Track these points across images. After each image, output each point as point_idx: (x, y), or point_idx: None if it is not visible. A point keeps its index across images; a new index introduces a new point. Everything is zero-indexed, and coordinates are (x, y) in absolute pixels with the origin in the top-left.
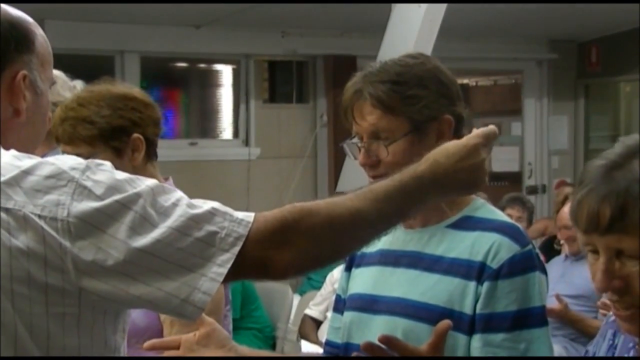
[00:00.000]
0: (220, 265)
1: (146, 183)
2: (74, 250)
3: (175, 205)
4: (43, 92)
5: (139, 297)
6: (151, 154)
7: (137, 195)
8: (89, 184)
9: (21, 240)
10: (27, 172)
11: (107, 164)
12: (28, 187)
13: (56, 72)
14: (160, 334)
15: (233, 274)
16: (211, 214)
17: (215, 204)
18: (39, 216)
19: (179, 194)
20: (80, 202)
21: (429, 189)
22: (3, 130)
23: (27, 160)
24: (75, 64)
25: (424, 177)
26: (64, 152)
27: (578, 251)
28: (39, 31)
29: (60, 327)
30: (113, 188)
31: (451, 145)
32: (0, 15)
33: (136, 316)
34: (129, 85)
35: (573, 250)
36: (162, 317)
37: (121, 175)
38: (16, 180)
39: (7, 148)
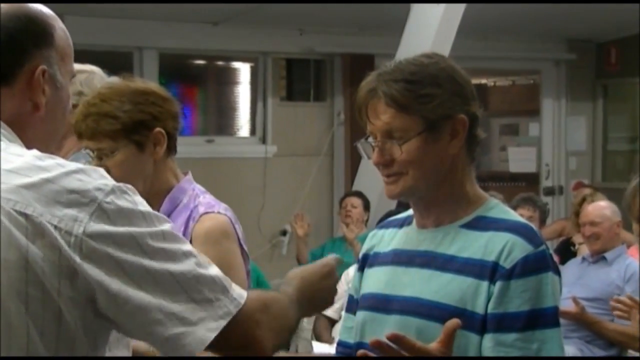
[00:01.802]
0: (209, 330)
1: (162, 227)
2: (82, 267)
3: (185, 256)
4: (63, 86)
5: (135, 329)
6: (171, 148)
7: (149, 234)
8: (109, 207)
9: (38, 246)
10: (50, 182)
11: (132, 191)
12: (50, 197)
13: (94, 68)
14: None
15: (217, 345)
16: (213, 281)
17: (219, 273)
18: (55, 227)
19: (189, 246)
20: (97, 224)
21: (305, 307)
22: (22, 126)
23: (50, 162)
24: (94, 60)
25: (301, 295)
26: (86, 148)
27: (599, 250)
28: (58, 24)
29: (69, 333)
30: (130, 218)
31: (311, 267)
32: (18, 11)
33: None
34: (145, 81)
35: (594, 248)
36: None
37: (142, 207)
38: (38, 188)
39: (26, 143)
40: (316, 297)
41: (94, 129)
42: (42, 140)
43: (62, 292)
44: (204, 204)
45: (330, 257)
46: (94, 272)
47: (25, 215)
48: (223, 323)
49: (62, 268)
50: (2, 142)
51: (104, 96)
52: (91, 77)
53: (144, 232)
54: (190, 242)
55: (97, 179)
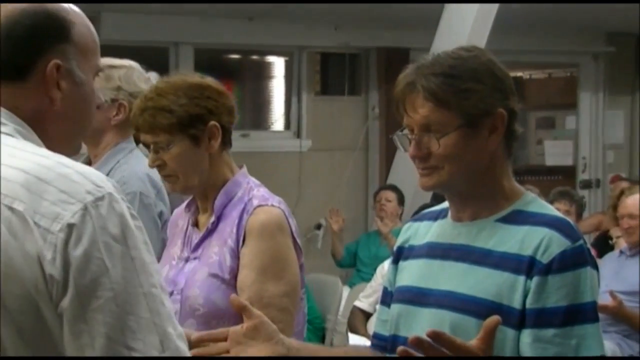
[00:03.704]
0: None
1: (142, 256)
2: (54, 262)
3: (154, 288)
4: (84, 82)
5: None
6: (226, 142)
7: (121, 246)
8: (92, 211)
9: (18, 241)
10: (44, 180)
11: (123, 206)
12: (38, 194)
13: (132, 63)
14: (240, 315)
15: None
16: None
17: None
18: (35, 223)
19: (158, 277)
20: (75, 222)
21: None
22: (40, 120)
23: (53, 160)
24: (130, 56)
25: None
26: (144, 141)
27: (637, 244)
28: (79, 20)
29: (48, 328)
30: (106, 228)
31: None
32: (36, 8)
33: (217, 297)
34: (201, 75)
35: (632, 240)
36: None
37: (125, 221)
38: (31, 184)
39: (48, 139)
40: None
41: (150, 123)
42: (64, 136)
43: (39, 289)
44: (258, 197)
45: None
46: (57, 271)
47: (12, 209)
48: None
49: (40, 264)
50: (10, 138)
51: (160, 90)
52: (130, 72)
53: (114, 243)
54: (245, 235)
55: (94, 182)
